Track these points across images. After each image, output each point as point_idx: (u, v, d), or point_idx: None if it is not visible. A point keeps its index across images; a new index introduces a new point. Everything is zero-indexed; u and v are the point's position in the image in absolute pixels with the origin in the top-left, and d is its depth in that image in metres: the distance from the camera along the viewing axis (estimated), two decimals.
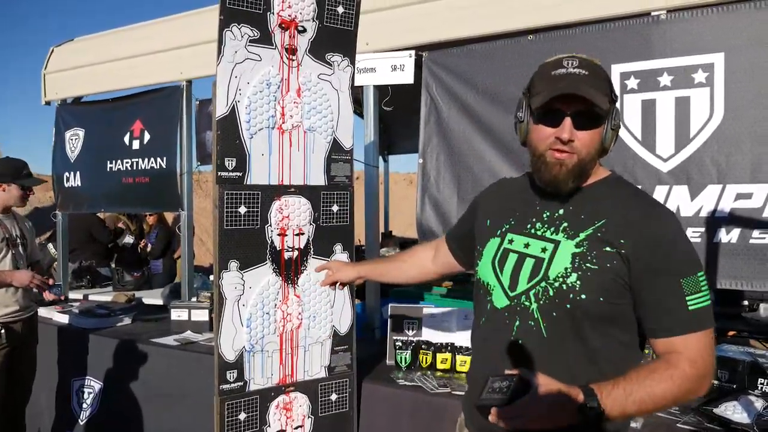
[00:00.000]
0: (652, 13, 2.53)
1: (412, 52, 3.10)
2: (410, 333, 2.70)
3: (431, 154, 3.12)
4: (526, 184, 1.51)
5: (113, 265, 5.00)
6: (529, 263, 1.36)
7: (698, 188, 2.46)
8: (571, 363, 1.30)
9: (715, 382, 2.15)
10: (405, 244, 5.77)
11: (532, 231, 1.40)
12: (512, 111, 2.74)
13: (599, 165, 1.41)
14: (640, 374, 1.20)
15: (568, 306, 1.29)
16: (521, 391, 1.12)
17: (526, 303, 1.34)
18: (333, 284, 2.09)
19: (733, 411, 1.94)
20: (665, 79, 2.49)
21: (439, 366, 2.51)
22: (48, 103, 4.67)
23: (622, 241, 1.27)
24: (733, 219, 2.41)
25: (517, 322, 1.35)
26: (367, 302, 3.31)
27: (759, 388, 2.06)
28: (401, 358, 2.54)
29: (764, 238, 2.36)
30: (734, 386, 2.11)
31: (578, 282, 1.28)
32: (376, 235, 3.43)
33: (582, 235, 1.31)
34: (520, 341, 1.34)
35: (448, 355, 2.50)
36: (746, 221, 2.38)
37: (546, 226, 1.39)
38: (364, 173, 3.36)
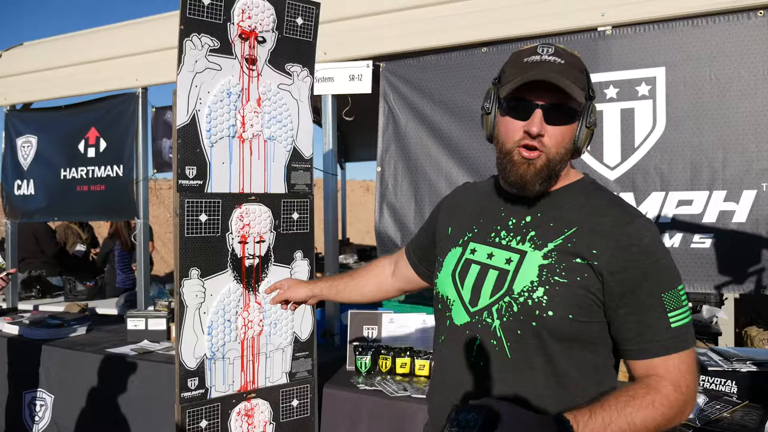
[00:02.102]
0: (599, 29, 2.65)
1: (370, 62, 3.16)
2: (370, 338, 2.75)
3: (389, 162, 3.18)
4: (491, 188, 1.39)
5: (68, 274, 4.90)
6: (492, 275, 1.24)
7: (643, 195, 2.59)
8: (537, 387, 1.18)
9: None
10: (363, 251, 5.83)
11: (497, 240, 1.28)
12: (467, 121, 2.88)
13: (570, 167, 1.29)
14: (619, 401, 1.09)
15: (534, 324, 1.16)
16: (491, 425, 1.00)
17: (488, 320, 1.22)
18: (285, 303, 2.03)
19: None
20: (611, 92, 2.62)
21: (399, 370, 2.55)
22: None
23: (594, 251, 1.15)
24: (675, 224, 2.54)
25: (478, 341, 1.23)
26: (327, 309, 3.34)
27: (701, 385, 2.17)
28: (361, 363, 2.58)
29: (704, 242, 2.49)
30: None
31: (545, 297, 1.16)
32: (335, 242, 3.47)
33: (550, 245, 1.19)
34: (481, 363, 1.23)
35: (407, 360, 2.55)
36: (687, 226, 2.52)
37: (511, 234, 1.26)
38: (322, 181, 3.39)
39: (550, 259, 1.18)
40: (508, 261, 1.23)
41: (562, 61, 1.17)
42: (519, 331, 1.19)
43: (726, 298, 3.77)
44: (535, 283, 1.18)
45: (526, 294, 1.18)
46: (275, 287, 2.09)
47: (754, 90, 2.41)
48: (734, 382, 2.11)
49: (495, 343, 1.21)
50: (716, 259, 2.47)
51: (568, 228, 1.20)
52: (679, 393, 1.11)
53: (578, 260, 1.16)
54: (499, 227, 1.29)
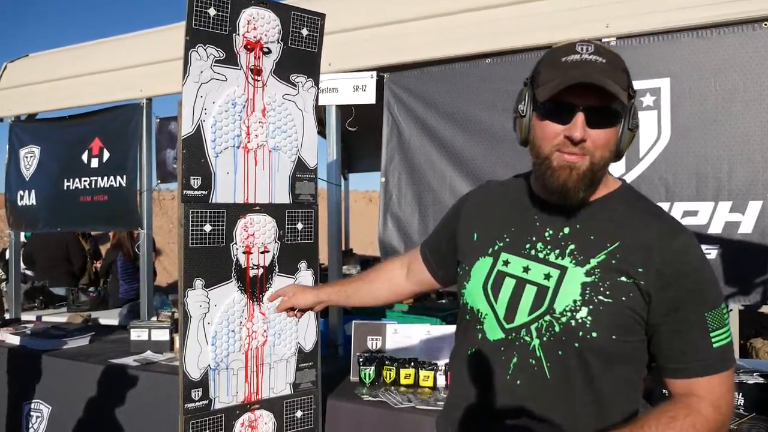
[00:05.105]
0: (603, 40, 2.65)
1: (374, 73, 3.17)
2: (373, 349, 2.73)
3: (393, 173, 3.18)
4: (522, 193, 1.31)
5: (80, 286, 4.89)
6: (530, 291, 1.18)
7: None
8: (576, 406, 1.15)
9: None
10: (366, 262, 5.81)
11: (533, 252, 1.21)
12: (471, 131, 2.88)
13: (608, 173, 1.22)
14: (660, 422, 1.05)
15: (577, 345, 1.12)
16: None
17: (527, 338, 1.17)
18: (290, 310, 1.95)
19: None
20: None
21: (403, 381, 2.54)
22: (0, 120, 4.56)
23: (640, 270, 1.10)
24: None
25: (515, 359, 1.18)
26: (330, 319, 3.33)
27: None
28: (365, 374, 2.57)
29: (709, 253, 2.48)
30: None
31: (589, 318, 1.10)
32: (339, 252, 3.46)
33: (593, 262, 1.13)
34: (518, 381, 1.18)
35: (411, 371, 2.54)
36: None
37: (549, 247, 1.19)
38: (326, 191, 3.39)
39: (594, 277, 1.13)
40: (547, 276, 1.17)
41: (604, 60, 1.10)
42: (560, 352, 1.14)
43: (731, 310, 3.75)
44: (579, 303, 1.12)
45: (569, 314, 1.13)
46: (279, 294, 2.03)
47: (759, 101, 2.41)
48: (741, 394, 2.09)
49: (534, 362, 1.16)
50: (722, 270, 2.45)
51: (610, 242, 1.14)
52: (718, 414, 1.08)
53: (623, 278, 1.11)
54: (534, 238, 1.22)
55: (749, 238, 2.42)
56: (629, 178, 2.60)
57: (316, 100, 2.30)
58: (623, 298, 1.10)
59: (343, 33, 3.13)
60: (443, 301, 4.03)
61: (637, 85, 2.53)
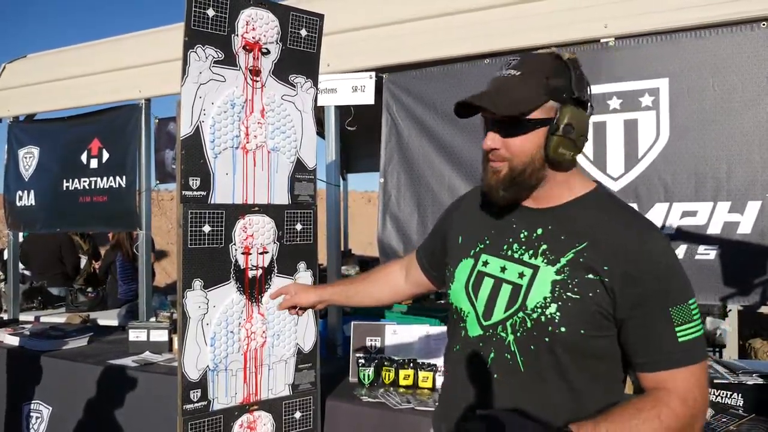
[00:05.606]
0: (601, 40, 2.66)
1: (373, 73, 3.16)
2: (373, 350, 2.73)
3: (392, 174, 3.18)
4: None
5: (76, 286, 4.88)
6: (506, 290, 1.25)
7: (647, 206, 2.58)
8: (550, 399, 1.20)
9: None
10: (365, 262, 5.81)
11: (509, 253, 1.28)
12: (470, 132, 2.88)
13: (580, 177, 1.29)
14: (625, 413, 1.10)
15: (547, 339, 1.18)
16: None
17: (502, 334, 1.24)
18: (292, 308, 1.91)
19: None
20: (614, 103, 2.62)
21: (402, 382, 2.54)
22: None
23: (605, 268, 1.15)
24: (679, 235, 2.53)
25: (492, 354, 1.25)
26: (329, 320, 3.32)
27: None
28: (364, 375, 2.57)
29: (708, 254, 2.48)
30: None
31: (558, 313, 1.17)
32: (338, 253, 3.46)
33: (563, 261, 1.20)
34: (495, 375, 1.25)
35: (410, 372, 2.53)
36: (692, 237, 2.51)
37: (524, 248, 1.26)
38: (325, 192, 3.39)
39: (563, 275, 1.19)
40: (521, 275, 1.24)
41: (519, 73, 1.19)
42: (532, 347, 1.20)
43: (730, 310, 3.76)
44: (548, 299, 1.18)
45: (540, 310, 1.19)
46: (281, 292, 1.95)
47: (757, 101, 2.41)
48: (740, 395, 2.09)
49: (509, 357, 1.23)
50: (721, 270, 2.46)
51: (579, 242, 1.20)
52: (686, 407, 1.11)
53: (590, 276, 1.16)
54: (511, 239, 1.29)
55: (748, 239, 2.42)
56: (628, 179, 2.61)
57: (315, 100, 2.30)
58: (590, 295, 1.16)
59: (341, 33, 3.13)
60: (442, 301, 4.03)
61: (635, 85, 2.58)
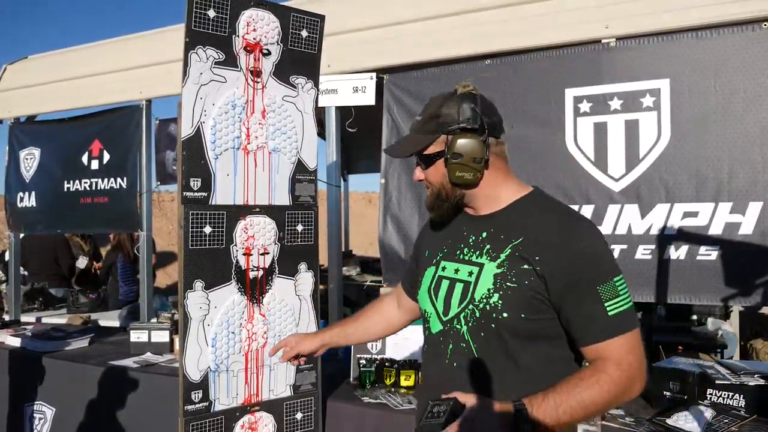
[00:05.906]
0: (603, 41, 2.66)
1: (374, 74, 3.17)
2: (374, 351, 2.73)
3: (393, 174, 3.18)
4: (457, 211, 1.54)
5: (76, 287, 4.88)
6: (458, 288, 1.41)
7: (648, 207, 2.58)
8: (505, 382, 1.33)
9: (668, 393, 2.24)
10: (365, 263, 5.81)
11: (461, 256, 1.45)
12: None
13: (514, 184, 1.45)
14: (570, 383, 1.23)
15: (493, 325, 1.33)
16: (457, 414, 1.16)
17: (458, 326, 1.39)
18: (294, 358, 1.87)
19: (684, 421, 2.02)
20: (615, 103, 2.62)
21: (403, 383, 2.54)
22: (0, 122, 4.57)
23: (537, 258, 1.30)
24: (681, 236, 2.53)
25: (451, 345, 1.40)
26: (330, 321, 3.32)
27: (708, 398, 2.15)
28: (365, 376, 2.56)
29: (710, 254, 2.48)
30: (685, 397, 2.19)
31: (500, 301, 1.32)
32: (339, 254, 3.46)
33: (503, 256, 1.35)
34: (455, 364, 1.39)
35: (411, 372, 2.53)
36: (693, 238, 2.51)
37: (472, 250, 1.43)
38: (326, 193, 3.39)
39: (503, 268, 1.35)
40: (470, 273, 1.40)
41: (420, 118, 1.44)
42: (482, 333, 1.35)
43: (731, 311, 3.75)
44: (491, 290, 1.34)
45: (485, 300, 1.35)
46: (281, 346, 1.89)
47: (758, 101, 2.41)
48: (742, 396, 2.09)
49: (464, 345, 1.38)
50: (722, 271, 2.45)
51: (516, 238, 1.36)
52: (621, 371, 1.24)
53: (525, 266, 1.32)
54: (462, 245, 1.46)
55: (750, 239, 2.42)
56: (629, 180, 2.61)
57: (316, 101, 2.30)
58: (526, 282, 1.31)
59: (342, 34, 3.13)
60: None
61: (636, 86, 2.58)
